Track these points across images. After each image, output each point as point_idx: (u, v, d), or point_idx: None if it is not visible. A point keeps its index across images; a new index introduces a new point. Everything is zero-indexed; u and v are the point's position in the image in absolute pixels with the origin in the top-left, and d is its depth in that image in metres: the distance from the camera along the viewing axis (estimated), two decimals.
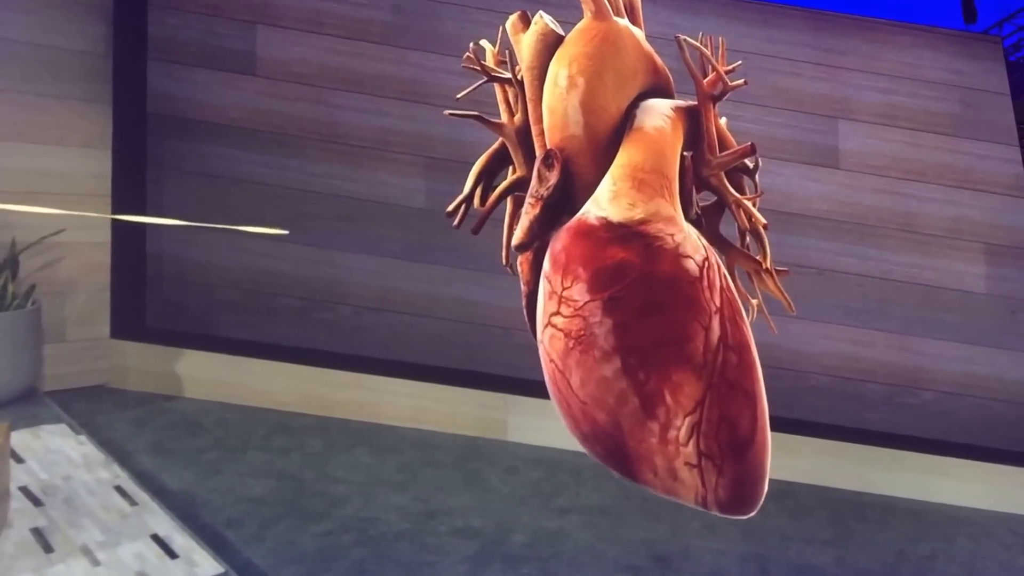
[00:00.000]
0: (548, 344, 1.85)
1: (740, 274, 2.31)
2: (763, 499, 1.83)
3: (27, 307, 4.95)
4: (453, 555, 3.91)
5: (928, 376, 5.27)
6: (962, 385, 5.26)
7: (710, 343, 1.72)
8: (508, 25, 2.23)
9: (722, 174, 2.17)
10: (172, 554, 3.42)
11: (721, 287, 1.84)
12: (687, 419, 1.67)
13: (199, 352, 5.50)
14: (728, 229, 2.44)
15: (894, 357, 5.26)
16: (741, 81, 2.14)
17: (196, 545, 3.49)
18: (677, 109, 2.13)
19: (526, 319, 2.13)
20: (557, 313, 1.82)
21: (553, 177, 1.98)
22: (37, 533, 3.46)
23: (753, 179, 2.24)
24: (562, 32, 2.13)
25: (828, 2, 5.57)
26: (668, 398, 1.68)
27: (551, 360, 1.84)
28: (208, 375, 5.50)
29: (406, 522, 4.21)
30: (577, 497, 4.75)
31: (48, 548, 3.36)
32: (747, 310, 2.02)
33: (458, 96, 2.38)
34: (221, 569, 3.35)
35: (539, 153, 2.12)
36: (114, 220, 5.33)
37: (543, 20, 2.12)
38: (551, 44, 2.10)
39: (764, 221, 2.10)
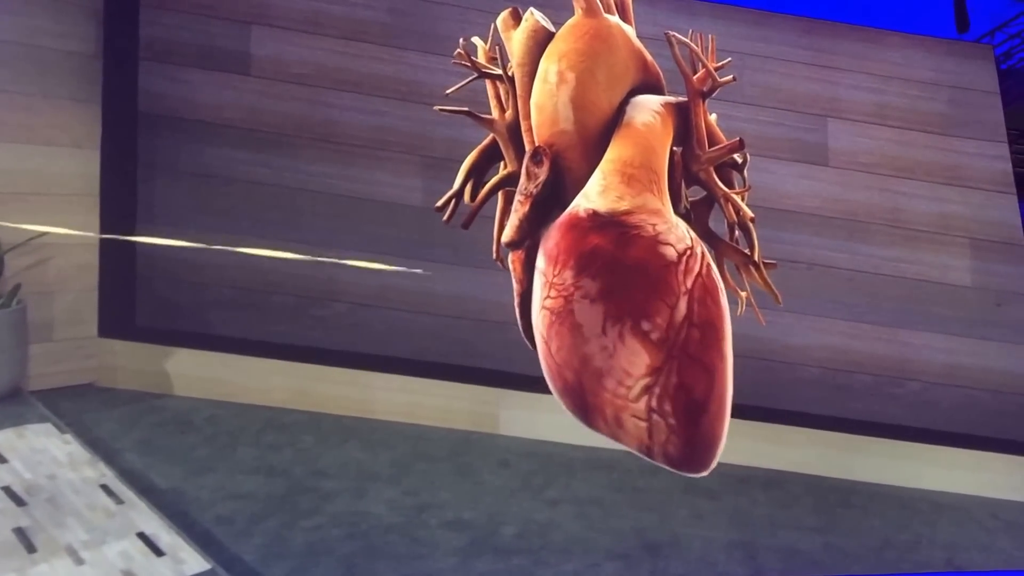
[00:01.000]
0: (541, 324, 1.98)
1: (730, 268, 2.36)
2: (715, 463, 2.05)
3: (12, 306, 4.93)
4: (443, 547, 3.91)
5: (914, 367, 5.32)
6: (947, 375, 5.31)
7: (674, 320, 1.87)
8: (499, 22, 2.25)
9: (711, 169, 2.20)
10: (158, 552, 3.38)
11: (698, 273, 1.93)
12: (640, 381, 1.86)
13: (190, 350, 5.47)
14: (719, 226, 2.48)
15: (882, 349, 5.32)
16: (730, 77, 2.18)
17: (183, 542, 3.45)
18: (667, 105, 2.17)
19: (518, 317, 2.18)
20: (547, 297, 1.93)
21: (542, 174, 2.01)
22: (20, 533, 3.41)
23: (742, 174, 2.27)
24: (553, 29, 2.15)
25: (820, 9, 5.61)
26: (623, 362, 1.86)
27: (541, 336, 2.00)
28: (199, 373, 5.49)
29: (397, 516, 4.19)
30: (567, 489, 4.76)
31: (31, 548, 3.31)
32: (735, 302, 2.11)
33: (447, 92, 2.41)
34: (208, 566, 3.32)
35: (528, 149, 2.15)
36: (103, 220, 5.31)
37: (533, 17, 2.15)
38: (542, 41, 2.13)
39: (751, 214, 2.14)
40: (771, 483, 5.11)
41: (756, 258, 2.28)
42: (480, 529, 4.15)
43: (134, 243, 5.39)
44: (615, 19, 2.17)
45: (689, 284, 1.87)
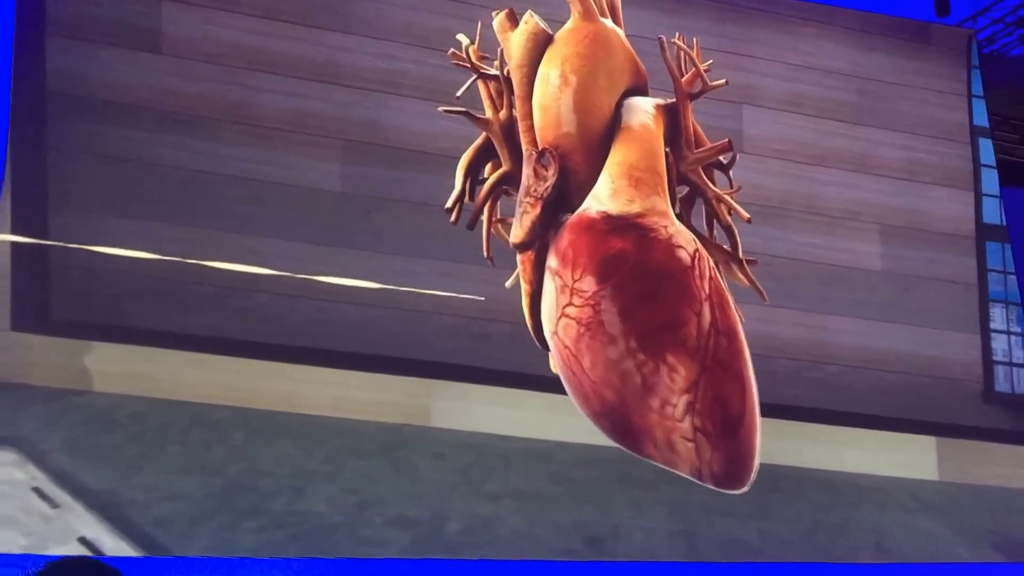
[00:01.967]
0: (563, 333, 1.99)
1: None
2: (753, 476, 2.04)
3: None
4: (392, 546, 3.90)
5: (830, 351, 5.47)
6: (861, 359, 5.48)
7: (702, 328, 1.92)
8: (496, 24, 2.27)
9: (700, 169, 2.28)
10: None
11: (710, 276, 2.01)
12: (683, 397, 1.87)
13: (110, 344, 5.26)
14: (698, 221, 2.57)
15: (800, 334, 5.48)
16: (722, 81, 2.26)
17: (127, 547, 3.39)
18: (658, 107, 2.24)
19: (527, 316, 2.22)
20: (570, 304, 1.95)
21: (551, 176, 2.05)
22: None
23: (727, 174, 2.36)
24: (551, 32, 2.19)
25: None
26: (665, 377, 1.87)
27: (565, 347, 2.00)
28: (120, 368, 5.24)
29: (340, 514, 4.14)
30: (507, 482, 4.71)
31: None
32: None
33: (458, 94, 2.41)
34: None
35: (526, 148, 2.18)
36: (14, 207, 5.03)
37: (533, 19, 2.18)
38: (541, 43, 2.17)
39: (747, 215, 2.23)
40: None
41: (739, 255, 2.37)
42: (425, 526, 4.13)
43: (47, 232, 5.15)
44: (610, 22, 2.22)
45: (707, 289, 1.94)
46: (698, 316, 1.88)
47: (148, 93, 5.10)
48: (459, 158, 5.04)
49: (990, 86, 6.01)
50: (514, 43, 2.21)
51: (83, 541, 3.41)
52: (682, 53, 2.23)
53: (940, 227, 5.71)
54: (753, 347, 5.37)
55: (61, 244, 5.16)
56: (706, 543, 4.38)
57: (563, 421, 4.76)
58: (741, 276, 2.39)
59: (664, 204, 2.00)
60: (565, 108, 2.07)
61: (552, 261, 2.02)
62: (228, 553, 3.62)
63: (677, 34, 2.25)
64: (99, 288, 5.17)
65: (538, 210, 2.05)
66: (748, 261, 2.39)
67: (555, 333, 2.04)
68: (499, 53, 2.31)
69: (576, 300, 1.94)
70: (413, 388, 5.23)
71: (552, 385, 4.96)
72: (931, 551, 5.08)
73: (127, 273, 5.16)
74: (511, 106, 2.28)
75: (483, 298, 5.10)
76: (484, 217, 2.46)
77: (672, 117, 2.22)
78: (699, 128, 2.37)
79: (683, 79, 2.25)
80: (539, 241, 2.11)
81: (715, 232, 2.48)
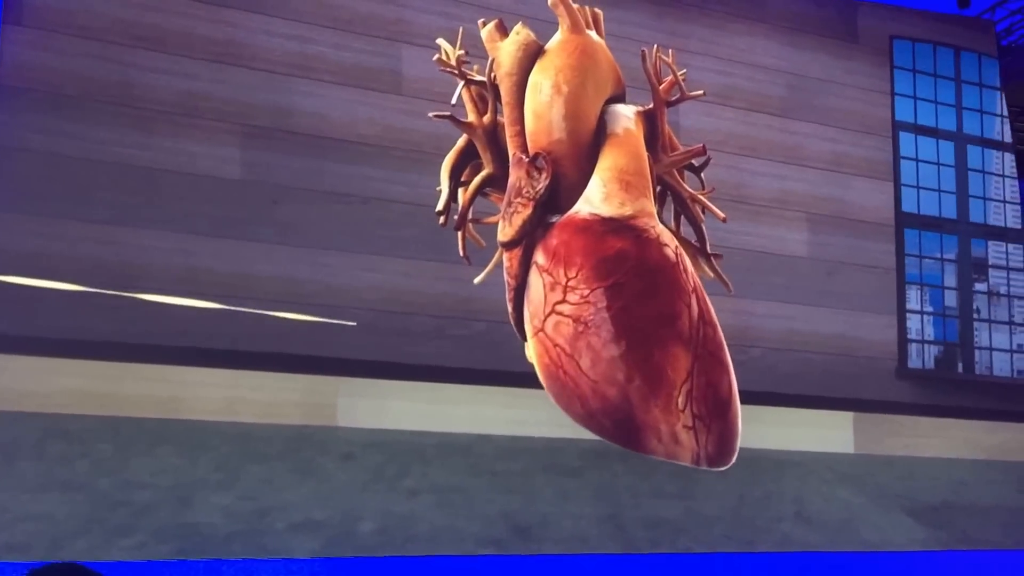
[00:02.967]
0: (553, 331, 2.10)
1: None
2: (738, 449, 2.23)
3: None
4: (298, 551, 3.75)
5: (756, 334, 5.64)
6: (785, 341, 5.75)
7: (693, 319, 2.09)
8: (484, 33, 2.40)
9: (675, 171, 2.46)
10: None
11: (690, 270, 2.17)
12: (683, 387, 2.02)
13: None
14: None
15: (727, 319, 5.68)
16: (700, 92, 2.45)
17: None
18: (638, 113, 2.41)
19: (511, 312, 2.35)
20: (563, 301, 2.07)
21: (544, 179, 2.19)
22: None
23: (698, 175, 2.55)
24: (541, 43, 2.33)
25: None
26: (668, 371, 2.01)
27: (556, 345, 2.09)
28: None
29: (236, 523, 3.93)
30: (425, 478, 4.54)
31: None
32: None
33: (452, 102, 2.52)
34: None
35: (512, 153, 2.33)
36: None
37: (525, 30, 2.31)
38: (532, 54, 2.31)
39: (722, 215, 2.42)
40: (628, 454, 5.28)
41: (707, 250, 2.56)
42: (335, 528, 3.98)
43: None
44: (594, 35, 2.37)
45: (692, 282, 2.09)
46: (688, 308, 2.04)
47: (7, 69, 4.66)
48: (384, 147, 5.10)
49: (1008, 77, 6.29)
50: (504, 52, 2.33)
51: None
52: (660, 63, 2.39)
53: (863, 215, 6.03)
54: None
55: None
56: (633, 524, 4.44)
57: (484, 413, 4.93)
58: (707, 269, 2.57)
59: (651, 205, 2.17)
60: (557, 116, 2.21)
61: (540, 258, 2.14)
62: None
63: (655, 46, 2.39)
64: None
65: (530, 210, 2.19)
66: (714, 255, 2.57)
67: (542, 330, 2.14)
68: (490, 63, 2.42)
69: (572, 297, 2.05)
70: (318, 387, 4.96)
71: (474, 377, 4.97)
72: (847, 517, 5.35)
73: None
74: (495, 111, 2.41)
75: (404, 292, 4.99)
76: (458, 216, 2.57)
77: (651, 123, 2.38)
78: (671, 132, 2.53)
79: (660, 87, 2.40)
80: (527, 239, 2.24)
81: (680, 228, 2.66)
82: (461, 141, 2.53)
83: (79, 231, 4.63)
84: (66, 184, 4.60)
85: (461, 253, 2.58)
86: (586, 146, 2.26)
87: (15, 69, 4.63)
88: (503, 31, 2.38)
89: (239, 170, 4.92)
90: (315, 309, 4.92)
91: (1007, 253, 6.38)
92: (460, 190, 2.53)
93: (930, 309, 6.19)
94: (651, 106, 2.43)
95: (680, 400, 2.03)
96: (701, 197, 2.45)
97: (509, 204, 2.26)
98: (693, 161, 2.52)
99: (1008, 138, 6.55)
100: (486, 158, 2.46)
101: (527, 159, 2.24)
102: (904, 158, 6.20)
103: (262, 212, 4.80)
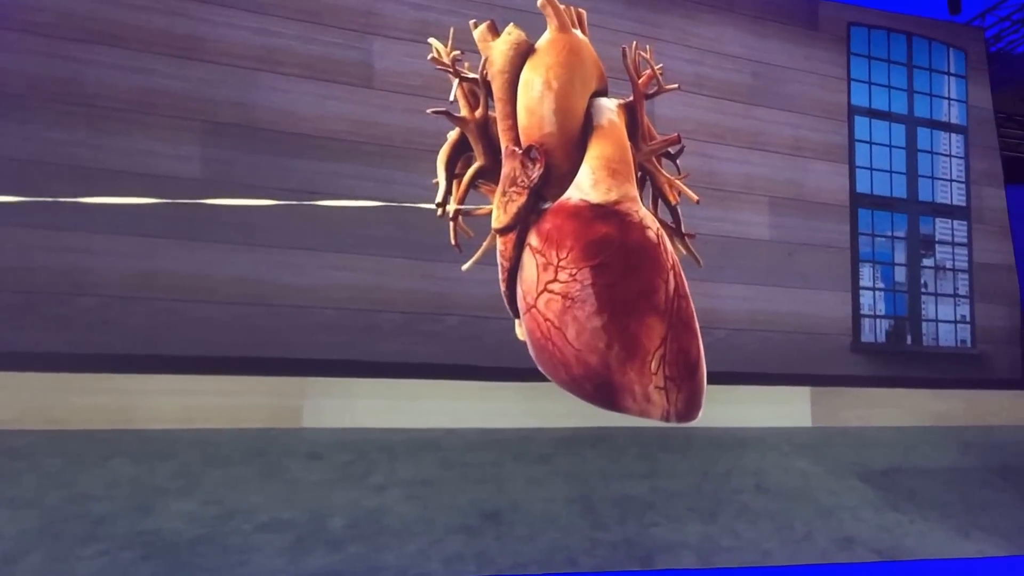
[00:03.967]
0: (544, 307, 2.34)
1: None
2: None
3: None
4: (266, 550, 3.75)
5: (721, 316, 5.93)
6: (748, 321, 6.03)
7: (669, 293, 2.35)
8: (477, 34, 2.61)
9: (653, 158, 2.70)
10: None
11: (669, 249, 2.42)
12: (656, 353, 2.28)
13: None
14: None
15: (695, 303, 5.91)
16: (675, 85, 2.69)
17: None
18: (620, 106, 2.64)
19: (504, 291, 2.57)
20: (554, 280, 2.32)
21: (538, 169, 2.42)
22: None
23: (674, 161, 2.79)
24: (532, 42, 2.54)
25: None
26: (643, 339, 2.27)
27: (546, 319, 2.34)
28: None
29: (200, 527, 3.89)
30: (393, 473, 4.57)
31: None
32: None
33: (451, 99, 2.71)
34: None
35: (505, 146, 2.55)
36: None
37: (516, 31, 2.52)
38: (523, 52, 2.53)
39: (696, 197, 2.66)
40: (599, 440, 5.23)
41: (682, 230, 2.82)
42: (304, 526, 3.99)
43: None
44: (579, 33, 2.59)
45: (671, 260, 2.34)
46: (666, 283, 2.28)
47: None
48: (355, 142, 5.13)
49: (996, 83, 6.47)
50: (497, 51, 2.54)
51: None
52: (639, 57, 2.61)
53: (820, 197, 6.33)
54: None
55: None
56: (602, 504, 4.55)
57: (453, 407, 5.03)
58: (681, 247, 2.81)
59: (635, 191, 2.39)
60: (548, 110, 2.42)
61: (534, 240, 2.36)
62: None
63: (634, 43, 2.61)
64: None
65: (525, 198, 2.41)
66: (688, 235, 2.81)
67: (534, 307, 2.37)
68: (483, 61, 2.63)
69: (562, 276, 2.28)
70: (282, 388, 4.92)
71: (444, 372, 5.06)
72: (803, 485, 5.48)
73: None
74: (487, 106, 2.63)
75: (372, 289, 5.02)
76: (451, 209, 2.78)
77: (631, 114, 2.60)
78: (649, 122, 2.76)
79: (640, 81, 2.63)
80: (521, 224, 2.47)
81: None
82: (454, 135, 2.75)
83: (26, 237, 4.49)
84: (9, 188, 4.36)
85: (452, 242, 2.79)
86: (575, 138, 2.47)
87: None
88: (495, 31, 2.59)
89: (199, 168, 4.83)
90: (280, 310, 4.88)
91: (952, 229, 6.69)
92: (454, 181, 2.73)
93: (882, 285, 6.49)
94: (631, 99, 2.64)
95: (653, 364, 2.28)
96: (677, 182, 2.69)
97: (504, 193, 2.47)
98: (669, 149, 2.73)
99: (955, 120, 6.80)
100: (478, 150, 2.67)
101: (520, 151, 2.44)
102: (859, 141, 6.49)
103: (223, 212, 4.57)
